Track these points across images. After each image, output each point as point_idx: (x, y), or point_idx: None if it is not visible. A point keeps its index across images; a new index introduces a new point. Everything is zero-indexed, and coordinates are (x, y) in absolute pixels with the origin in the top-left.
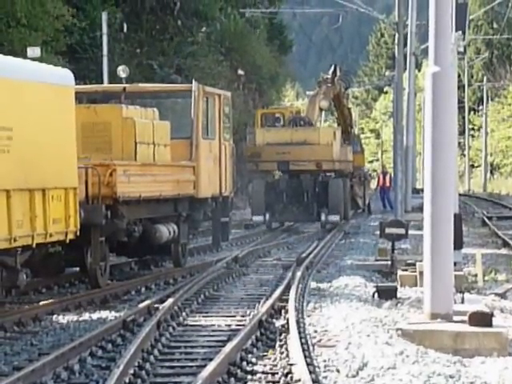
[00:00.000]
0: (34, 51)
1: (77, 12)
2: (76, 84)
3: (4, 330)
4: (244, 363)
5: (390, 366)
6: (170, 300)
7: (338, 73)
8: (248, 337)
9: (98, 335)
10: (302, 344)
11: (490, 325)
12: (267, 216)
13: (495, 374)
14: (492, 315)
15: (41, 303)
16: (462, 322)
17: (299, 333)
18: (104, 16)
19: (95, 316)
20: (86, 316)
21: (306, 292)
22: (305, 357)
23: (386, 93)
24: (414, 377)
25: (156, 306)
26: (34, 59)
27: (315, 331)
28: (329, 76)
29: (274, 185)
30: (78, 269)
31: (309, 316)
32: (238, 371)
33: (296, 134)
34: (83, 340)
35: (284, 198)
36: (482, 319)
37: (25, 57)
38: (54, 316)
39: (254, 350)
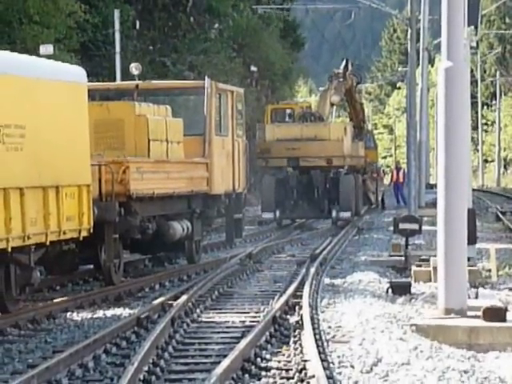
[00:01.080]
0: (46, 49)
1: (89, 9)
2: (89, 81)
3: (18, 327)
4: (258, 359)
5: (404, 361)
6: (184, 297)
7: (350, 67)
8: (262, 333)
9: (112, 332)
10: (316, 340)
11: (504, 320)
12: (277, 213)
13: (509, 369)
14: (506, 310)
15: (55, 301)
16: (476, 317)
17: (313, 329)
18: (116, 13)
19: (109, 313)
20: (100, 313)
21: (320, 288)
22: (319, 353)
23: (399, 88)
24: (428, 372)
25: (170, 302)
26: (46, 57)
27: (329, 327)
28: (340, 71)
29: (285, 181)
30: (91, 266)
31: (323, 312)
32: (253, 367)
33: (306, 130)
34: (97, 337)
35: (294, 195)
36: (496, 314)
37: (37, 54)
38: (68, 313)
39: (268, 346)
